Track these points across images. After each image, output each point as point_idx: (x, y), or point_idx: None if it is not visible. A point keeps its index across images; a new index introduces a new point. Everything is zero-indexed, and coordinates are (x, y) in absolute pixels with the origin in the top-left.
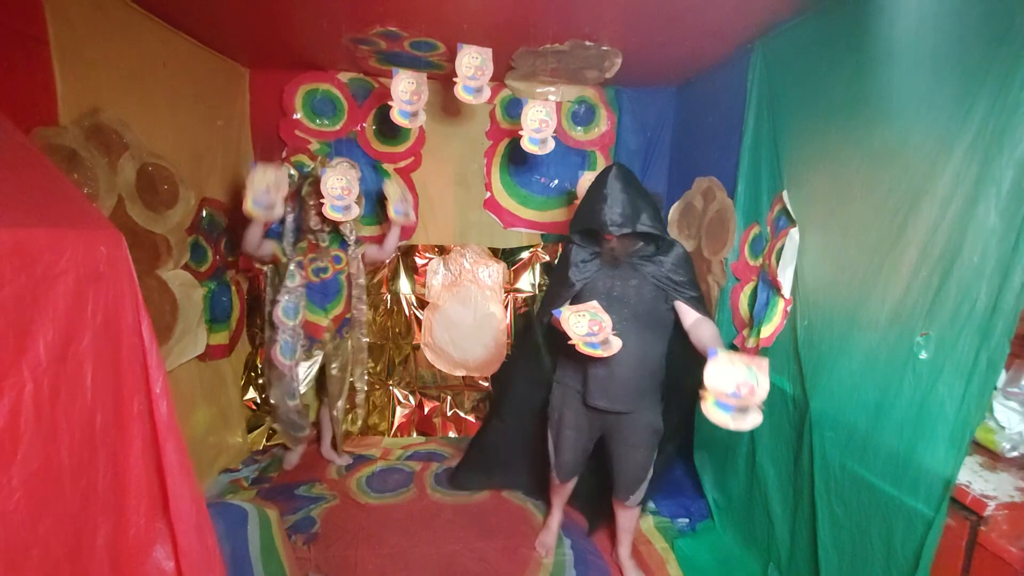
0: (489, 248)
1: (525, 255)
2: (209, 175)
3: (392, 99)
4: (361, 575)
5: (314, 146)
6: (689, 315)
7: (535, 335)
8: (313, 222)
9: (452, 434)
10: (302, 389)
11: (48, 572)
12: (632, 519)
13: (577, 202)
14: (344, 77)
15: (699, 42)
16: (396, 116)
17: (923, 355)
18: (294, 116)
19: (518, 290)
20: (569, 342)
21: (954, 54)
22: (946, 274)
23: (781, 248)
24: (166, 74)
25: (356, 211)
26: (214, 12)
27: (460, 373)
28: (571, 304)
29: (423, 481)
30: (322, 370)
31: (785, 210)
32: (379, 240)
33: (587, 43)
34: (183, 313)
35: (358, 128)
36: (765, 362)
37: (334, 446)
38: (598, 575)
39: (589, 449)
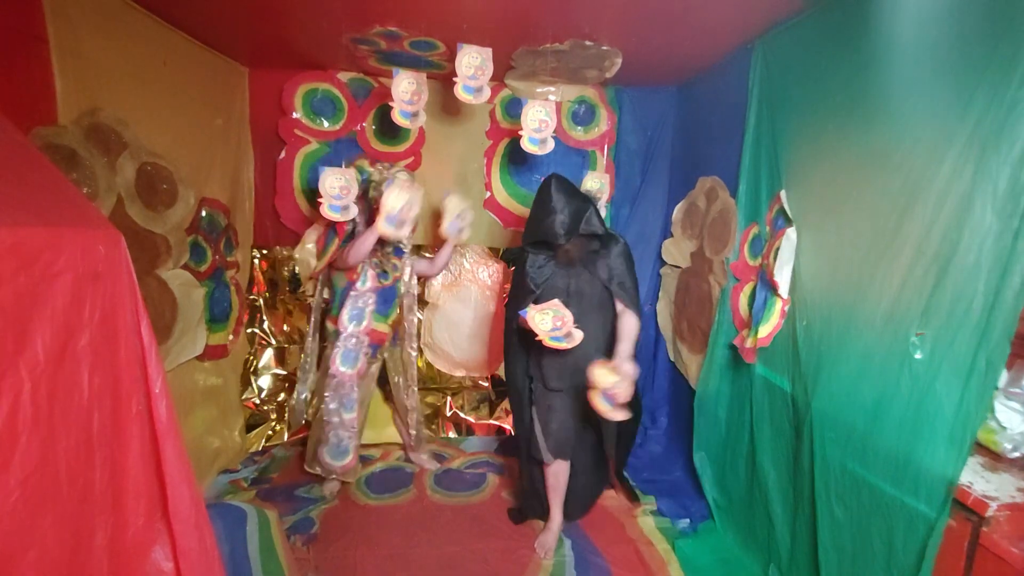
0: (489, 248)
1: None
2: (208, 174)
3: (392, 99)
4: None
5: (313, 146)
6: (618, 305)
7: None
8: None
9: (452, 434)
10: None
11: (46, 572)
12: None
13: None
14: (344, 77)
15: (699, 41)
16: (397, 116)
17: (918, 355)
18: (293, 115)
19: None
20: (536, 338)
21: (952, 53)
22: (942, 273)
23: (779, 248)
24: (166, 73)
25: (354, 211)
26: (214, 11)
27: (460, 373)
28: (536, 302)
29: (423, 482)
30: (384, 379)
31: (783, 210)
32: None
33: (587, 42)
34: (182, 313)
35: (358, 128)
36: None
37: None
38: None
39: (577, 428)
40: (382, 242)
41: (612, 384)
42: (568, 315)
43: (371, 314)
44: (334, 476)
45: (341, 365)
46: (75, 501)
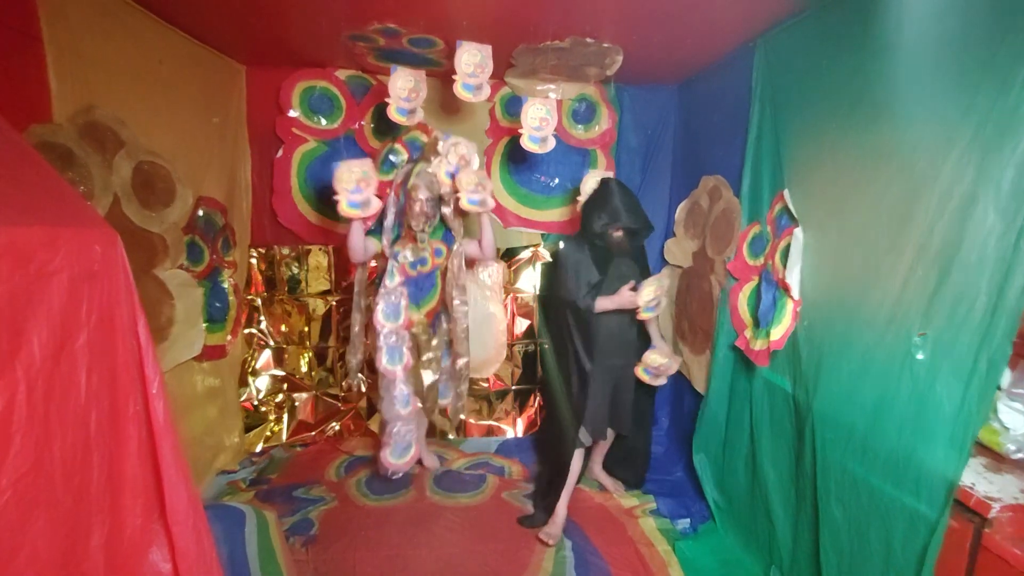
0: None
1: (525, 255)
2: (205, 173)
3: (389, 96)
4: None
5: (311, 144)
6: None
7: (561, 329)
8: (416, 214)
9: (451, 436)
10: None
11: (39, 573)
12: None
13: (579, 199)
14: (342, 74)
15: (701, 39)
16: (393, 113)
17: (920, 355)
18: (291, 114)
19: (518, 290)
20: (635, 312)
21: (955, 52)
22: (944, 274)
23: (786, 248)
24: (162, 71)
25: (377, 204)
26: (210, 9)
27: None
28: (595, 287)
29: (422, 483)
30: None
31: (786, 209)
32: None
33: (588, 40)
34: (180, 313)
35: (356, 126)
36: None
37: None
38: None
39: (607, 407)
40: (419, 229)
41: (665, 363)
42: (667, 283)
43: (406, 308)
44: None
45: (387, 363)
46: (70, 502)
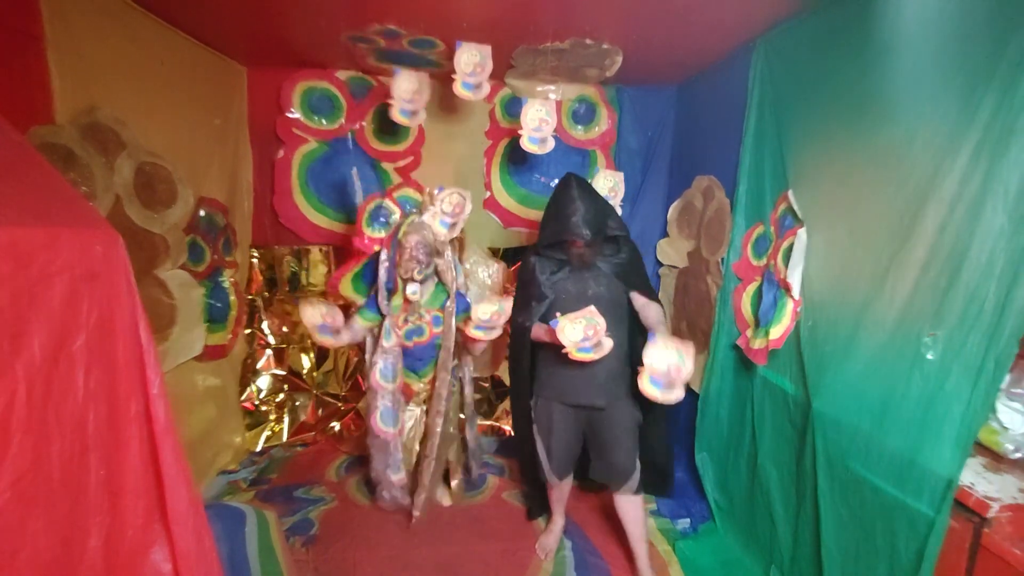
0: (489, 248)
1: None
2: (206, 174)
3: (392, 98)
4: None
5: (312, 145)
6: (639, 299)
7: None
8: (406, 260)
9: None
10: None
11: (38, 574)
12: (638, 518)
13: None
14: (343, 75)
15: (700, 40)
16: (396, 115)
17: (930, 356)
18: (292, 114)
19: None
20: (563, 350)
21: (960, 51)
22: (954, 274)
23: (788, 248)
24: (164, 72)
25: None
26: (212, 10)
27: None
28: (547, 311)
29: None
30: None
31: (790, 209)
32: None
33: (587, 41)
34: (181, 313)
35: (357, 127)
36: (691, 347)
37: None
38: None
39: (578, 446)
40: (410, 291)
41: (674, 364)
42: (602, 323)
43: (401, 370)
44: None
45: (382, 424)
46: (68, 503)
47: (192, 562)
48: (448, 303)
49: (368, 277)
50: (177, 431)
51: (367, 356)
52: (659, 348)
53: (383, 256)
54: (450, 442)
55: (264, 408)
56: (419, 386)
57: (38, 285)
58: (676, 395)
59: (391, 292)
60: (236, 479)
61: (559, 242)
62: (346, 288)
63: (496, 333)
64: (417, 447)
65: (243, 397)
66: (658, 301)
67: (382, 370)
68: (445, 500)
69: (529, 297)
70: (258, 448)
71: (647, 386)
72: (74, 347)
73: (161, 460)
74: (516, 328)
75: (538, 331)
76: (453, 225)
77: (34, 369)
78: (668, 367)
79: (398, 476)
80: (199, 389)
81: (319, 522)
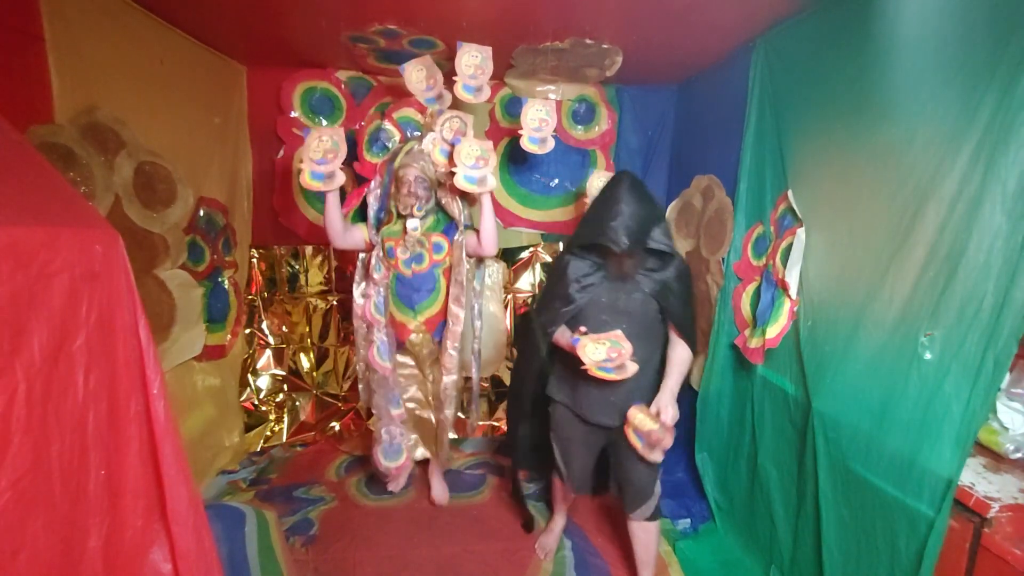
0: None
1: (525, 255)
2: (206, 174)
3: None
4: None
5: None
6: (671, 335)
7: (534, 339)
8: (404, 196)
9: (451, 435)
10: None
11: (37, 574)
12: (649, 545)
13: (586, 200)
14: (343, 75)
15: (700, 40)
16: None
17: (927, 355)
18: (292, 114)
19: (518, 290)
20: (582, 367)
21: (960, 51)
22: (952, 274)
23: (787, 248)
24: (163, 72)
25: (341, 178)
26: (211, 9)
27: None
28: (573, 318)
29: (422, 483)
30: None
31: (790, 209)
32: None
33: (588, 41)
34: (181, 313)
35: (357, 127)
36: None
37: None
38: None
39: (593, 460)
40: (410, 217)
41: (649, 431)
42: (628, 348)
43: (393, 303)
44: (388, 483)
45: (379, 358)
46: (68, 503)
47: (192, 562)
48: (457, 235)
49: (363, 207)
50: (177, 431)
51: (354, 289)
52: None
53: (374, 183)
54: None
55: (264, 408)
56: (414, 323)
57: (38, 285)
58: (654, 457)
59: (381, 222)
60: (236, 479)
61: (595, 245)
62: (359, 223)
63: (490, 185)
64: (421, 412)
65: (243, 397)
66: (692, 338)
67: (376, 303)
68: (439, 492)
69: (555, 297)
70: (258, 448)
71: (632, 438)
72: (74, 347)
73: (161, 460)
74: (535, 327)
75: (560, 338)
76: (453, 152)
77: (34, 369)
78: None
79: (398, 411)
80: (199, 389)
81: (319, 522)
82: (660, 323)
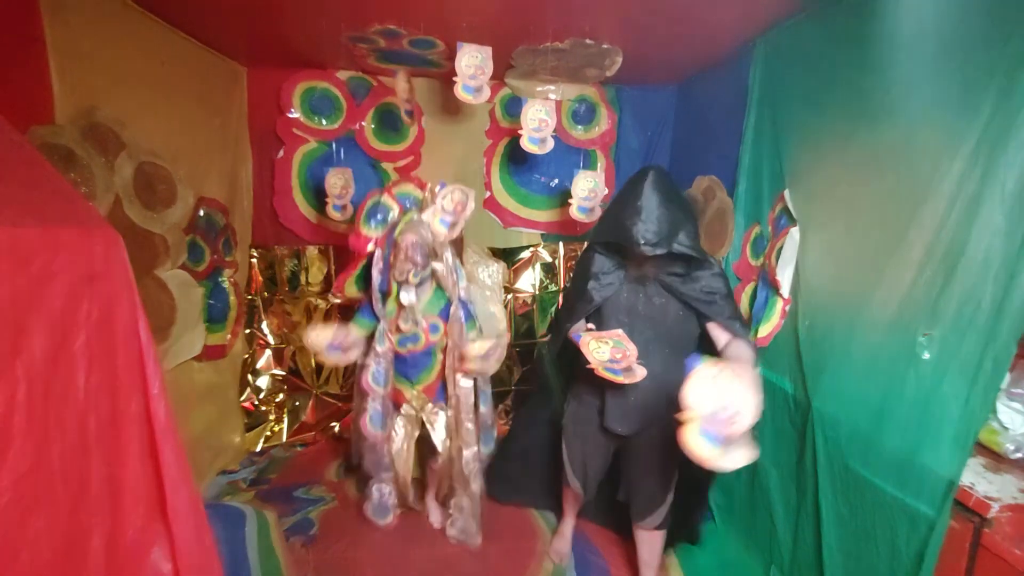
0: (489, 248)
1: (525, 255)
2: (207, 174)
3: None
4: None
5: (312, 145)
6: (722, 337)
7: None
8: (401, 261)
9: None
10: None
11: (38, 574)
12: (653, 549)
13: (571, 202)
14: (343, 75)
15: (700, 40)
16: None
17: (925, 355)
18: (292, 114)
19: (518, 290)
20: (588, 366)
21: (959, 52)
22: (950, 274)
23: (781, 247)
24: (164, 73)
25: (351, 210)
26: (212, 10)
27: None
28: (591, 319)
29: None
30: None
31: (786, 209)
32: None
33: (587, 41)
34: (181, 313)
35: (357, 127)
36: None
37: (437, 498)
38: None
39: (606, 466)
40: (403, 295)
41: (720, 406)
42: (632, 349)
43: (392, 376)
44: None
45: (371, 426)
46: (69, 503)
47: (192, 561)
48: (452, 309)
49: (367, 279)
50: (177, 431)
51: (359, 357)
52: (705, 379)
53: (377, 256)
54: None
55: (264, 408)
56: (411, 393)
57: (38, 285)
58: (737, 458)
59: (385, 295)
60: (236, 479)
61: (614, 244)
62: (351, 290)
63: (492, 366)
64: (410, 462)
65: (243, 397)
66: (747, 335)
67: (374, 374)
68: (435, 517)
69: (575, 293)
70: (258, 448)
71: (695, 441)
72: (74, 347)
73: (161, 460)
74: (559, 329)
75: (572, 335)
76: (454, 224)
77: (35, 369)
78: (719, 408)
79: (388, 475)
80: (199, 389)
81: (319, 522)
82: (687, 332)
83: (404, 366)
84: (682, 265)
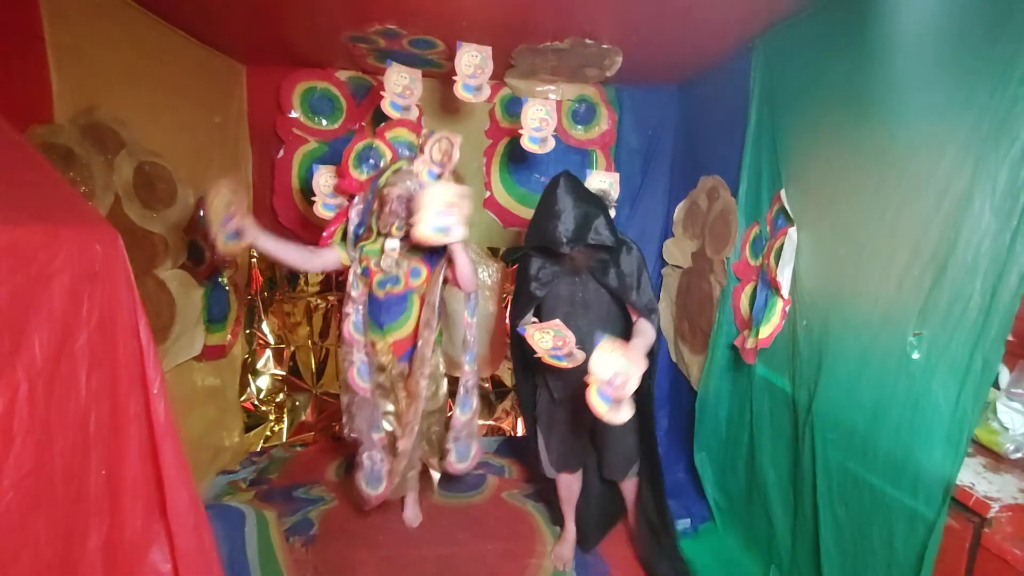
0: (488, 248)
1: None
2: (206, 173)
3: (384, 90)
4: None
5: (311, 145)
6: (632, 316)
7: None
8: (385, 214)
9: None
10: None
11: (39, 574)
12: (632, 491)
13: None
14: (343, 75)
15: (700, 40)
16: (387, 108)
17: (915, 355)
18: (292, 114)
19: None
20: (535, 355)
21: (952, 50)
22: (939, 273)
23: (780, 247)
24: (163, 71)
25: (252, 226)
26: (212, 9)
27: (458, 373)
28: (536, 312)
29: (422, 483)
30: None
31: (783, 209)
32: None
33: (587, 41)
34: (181, 313)
35: (356, 127)
36: (642, 361)
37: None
38: None
39: (579, 441)
40: (389, 239)
41: (614, 373)
42: (570, 336)
43: (367, 325)
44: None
45: (359, 379)
46: (69, 502)
47: (191, 561)
48: (438, 267)
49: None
50: (177, 431)
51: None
52: (606, 352)
53: (356, 199)
54: (433, 416)
55: (264, 408)
56: (381, 344)
57: (38, 285)
58: (623, 415)
59: (359, 237)
60: (236, 479)
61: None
62: (339, 242)
63: (457, 235)
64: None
65: (243, 397)
66: (651, 314)
67: (355, 322)
68: (411, 513)
69: (521, 296)
70: (258, 448)
71: (593, 399)
72: (75, 347)
73: (161, 460)
74: (512, 323)
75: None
76: (441, 176)
77: (35, 369)
78: (614, 375)
79: (378, 435)
80: (199, 389)
81: (319, 522)
82: (621, 312)
83: (378, 310)
84: (606, 252)
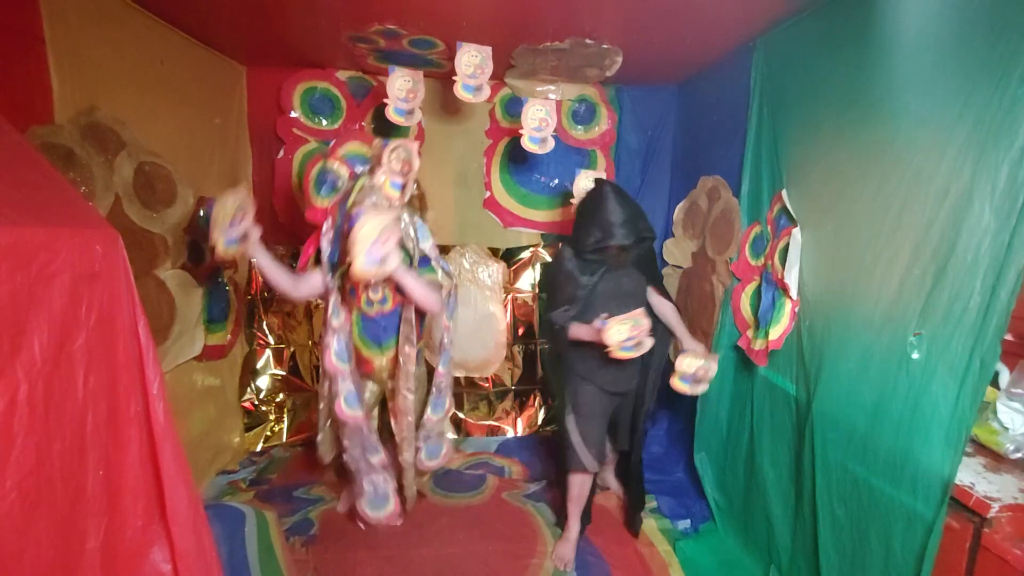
0: (489, 248)
1: (525, 255)
2: (207, 174)
3: (388, 97)
4: None
5: (312, 145)
6: (654, 296)
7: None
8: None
9: (451, 435)
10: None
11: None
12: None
13: (572, 202)
14: (343, 75)
15: (700, 40)
16: (391, 114)
17: (915, 355)
18: (292, 114)
19: (518, 290)
20: (606, 350)
21: (952, 50)
22: (940, 272)
23: (784, 248)
24: (163, 72)
25: (257, 235)
26: (211, 9)
27: (459, 374)
28: (582, 314)
29: (422, 483)
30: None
31: (785, 209)
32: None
33: (588, 41)
34: (180, 313)
35: (356, 127)
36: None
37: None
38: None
39: (606, 432)
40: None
41: (701, 365)
42: (647, 324)
43: (360, 343)
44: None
45: (347, 408)
46: (67, 503)
47: (191, 562)
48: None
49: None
50: (177, 431)
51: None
52: (690, 356)
53: (327, 226)
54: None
55: (264, 408)
56: (381, 361)
57: (38, 285)
58: (702, 388)
59: (335, 266)
60: (236, 479)
61: (598, 249)
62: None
63: (392, 264)
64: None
65: (243, 397)
66: (670, 297)
67: (337, 352)
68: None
69: (566, 298)
70: (258, 448)
71: (678, 383)
72: (74, 347)
73: (161, 460)
74: (555, 331)
75: (576, 331)
76: (404, 186)
77: (35, 369)
78: (697, 369)
79: (377, 458)
80: (199, 389)
81: (319, 522)
82: (644, 296)
83: (375, 329)
84: (649, 242)
